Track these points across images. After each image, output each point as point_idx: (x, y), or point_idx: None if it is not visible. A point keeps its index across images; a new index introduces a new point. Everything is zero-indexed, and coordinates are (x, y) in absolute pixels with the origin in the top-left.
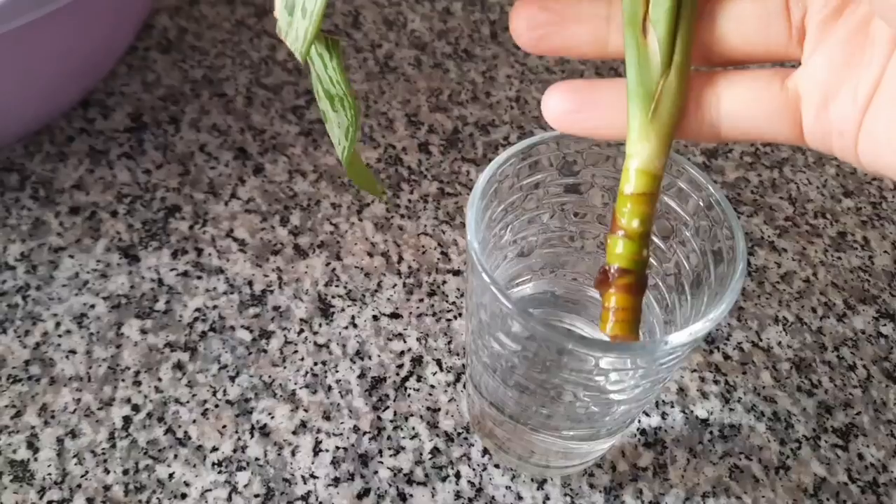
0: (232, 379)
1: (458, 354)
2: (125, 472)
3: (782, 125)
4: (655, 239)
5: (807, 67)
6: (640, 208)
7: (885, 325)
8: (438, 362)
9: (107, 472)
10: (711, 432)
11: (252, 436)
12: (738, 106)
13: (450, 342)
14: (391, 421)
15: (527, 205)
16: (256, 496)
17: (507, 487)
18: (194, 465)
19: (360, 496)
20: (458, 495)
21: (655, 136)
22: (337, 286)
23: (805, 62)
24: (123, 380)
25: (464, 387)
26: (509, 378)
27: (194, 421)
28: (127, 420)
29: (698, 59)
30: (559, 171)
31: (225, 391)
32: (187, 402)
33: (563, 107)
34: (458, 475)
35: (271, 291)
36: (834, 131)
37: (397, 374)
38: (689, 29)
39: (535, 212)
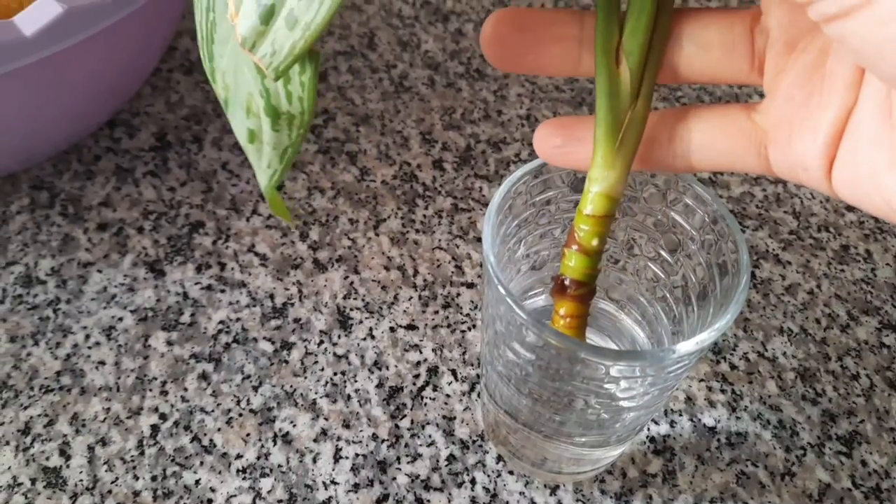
0: (255, 389)
1: (472, 365)
2: (153, 479)
3: (749, 157)
4: (663, 252)
5: (770, 102)
6: (598, 229)
7: (887, 335)
8: (454, 372)
9: (136, 478)
10: (719, 440)
11: (275, 443)
12: (707, 138)
13: (464, 353)
14: (408, 429)
15: (539, 220)
16: (280, 501)
17: (521, 493)
18: (220, 472)
19: (379, 501)
20: (473, 501)
21: (620, 164)
22: (355, 299)
23: (767, 96)
24: (151, 390)
25: (478, 396)
26: (523, 386)
27: (219, 429)
28: (155, 428)
29: (663, 77)
30: (570, 188)
31: (248, 400)
32: (212, 410)
33: (549, 142)
34: (473, 481)
35: (292, 304)
36: (798, 166)
37: (414, 384)
38: (657, 59)
39: (548, 227)
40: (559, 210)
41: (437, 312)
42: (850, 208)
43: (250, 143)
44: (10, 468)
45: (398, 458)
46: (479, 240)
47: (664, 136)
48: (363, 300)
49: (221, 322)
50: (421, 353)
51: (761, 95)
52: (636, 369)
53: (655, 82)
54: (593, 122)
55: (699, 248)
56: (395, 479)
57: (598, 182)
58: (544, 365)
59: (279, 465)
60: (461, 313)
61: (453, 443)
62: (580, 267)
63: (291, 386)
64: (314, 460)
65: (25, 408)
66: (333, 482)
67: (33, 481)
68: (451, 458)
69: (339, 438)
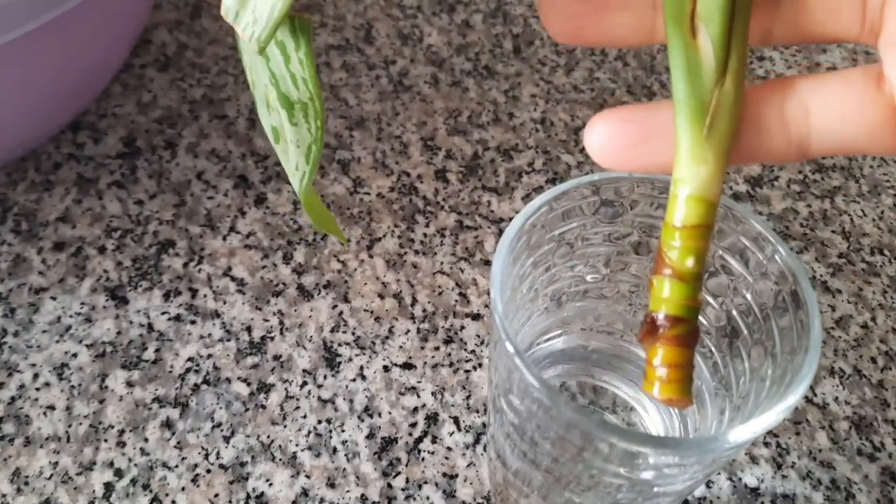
0: (226, 440)
1: (478, 411)
2: None
3: (883, 137)
4: (708, 297)
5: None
6: (693, 243)
7: None
8: (456, 420)
9: None
10: (762, 503)
11: None
12: (831, 119)
13: (468, 397)
14: (403, 489)
15: (559, 255)
16: None
17: None
18: None
19: None
20: None
21: (713, 157)
22: (344, 332)
23: (894, 53)
24: (106, 440)
25: (484, 449)
26: (534, 455)
27: (183, 488)
28: (108, 487)
29: (753, 39)
30: (597, 218)
31: (218, 453)
32: (176, 466)
33: (617, 141)
34: None
35: (272, 338)
36: None
37: (410, 435)
38: (744, 26)
39: (569, 262)
40: (582, 244)
41: (437, 349)
42: None
43: (276, 144)
44: None
45: None
46: (486, 263)
47: (773, 118)
48: (353, 334)
49: (190, 359)
50: (419, 397)
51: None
52: (678, 457)
53: (747, 51)
54: (670, 109)
55: (753, 294)
56: None
57: (686, 182)
58: (560, 441)
59: None
60: (465, 349)
61: None
62: (676, 298)
63: (268, 436)
64: None
65: None
66: None
67: None
68: None
69: (322, 500)
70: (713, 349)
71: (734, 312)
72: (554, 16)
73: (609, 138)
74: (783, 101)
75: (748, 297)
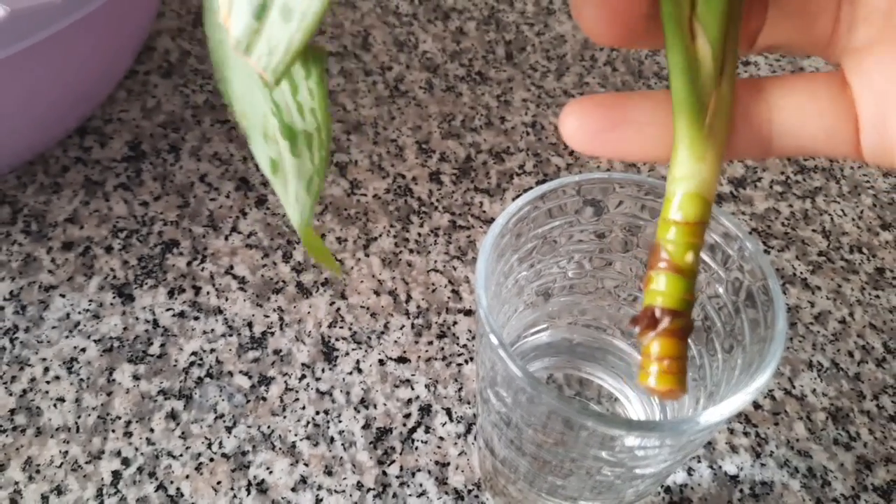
0: (228, 430)
1: (469, 403)
2: None
3: (843, 141)
4: None
5: (860, 72)
6: (691, 239)
7: None
8: (448, 411)
9: None
10: (742, 490)
11: (248, 493)
12: (794, 119)
13: (460, 389)
14: (397, 476)
15: (544, 252)
16: None
17: None
18: None
19: None
20: None
21: (711, 156)
22: (341, 327)
23: (857, 64)
24: (114, 430)
25: (475, 439)
26: (519, 443)
27: (187, 476)
28: (116, 475)
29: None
30: (579, 217)
31: (221, 443)
32: (180, 455)
33: (590, 126)
34: None
35: (272, 333)
36: None
37: (404, 425)
38: (736, 30)
39: (553, 258)
40: (567, 241)
41: (431, 343)
42: (886, 227)
43: (274, 175)
44: None
45: None
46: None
47: (739, 118)
48: (350, 329)
49: (194, 353)
50: (413, 389)
51: None
52: (654, 440)
53: (738, 54)
54: (644, 98)
55: (725, 290)
56: None
57: (685, 180)
58: (543, 428)
59: None
60: (458, 344)
61: (446, 492)
62: (673, 291)
63: (269, 426)
64: None
65: None
66: None
67: None
68: None
69: (320, 487)
70: (692, 343)
71: (709, 306)
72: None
73: (582, 123)
74: (749, 101)
75: (721, 291)
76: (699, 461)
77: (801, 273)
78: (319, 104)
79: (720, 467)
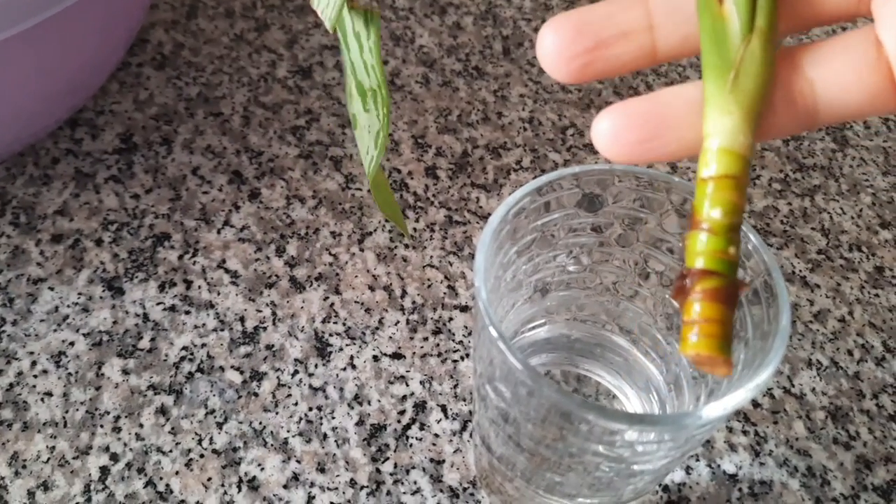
0: (219, 426)
1: (464, 399)
2: None
3: (887, 101)
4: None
5: (891, 25)
6: (722, 194)
7: None
8: (443, 408)
9: None
10: (741, 489)
11: (239, 490)
12: (835, 89)
13: (456, 386)
14: (391, 474)
15: (542, 245)
16: None
17: None
18: None
19: None
20: None
21: (738, 109)
22: (335, 323)
23: (888, 15)
24: (102, 426)
25: (470, 436)
26: (518, 438)
27: (177, 472)
28: (104, 471)
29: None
30: (579, 209)
31: (211, 439)
32: (170, 451)
33: (630, 137)
34: None
35: (264, 328)
36: None
37: (398, 422)
38: None
39: (552, 252)
40: (565, 234)
41: (426, 339)
42: (885, 225)
43: (354, 129)
44: None
45: None
46: (474, 256)
47: (778, 97)
48: (344, 324)
49: (185, 348)
50: (407, 385)
51: None
52: (654, 434)
53: (775, 13)
54: (675, 94)
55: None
56: None
57: (711, 136)
58: (541, 421)
59: None
60: (453, 340)
61: (441, 490)
62: (706, 249)
63: (261, 423)
64: None
65: None
66: None
67: None
68: None
69: (312, 484)
70: None
71: None
72: (555, 63)
73: (616, 135)
74: (788, 78)
75: None
76: (698, 460)
77: (801, 271)
78: (376, 61)
79: (719, 466)
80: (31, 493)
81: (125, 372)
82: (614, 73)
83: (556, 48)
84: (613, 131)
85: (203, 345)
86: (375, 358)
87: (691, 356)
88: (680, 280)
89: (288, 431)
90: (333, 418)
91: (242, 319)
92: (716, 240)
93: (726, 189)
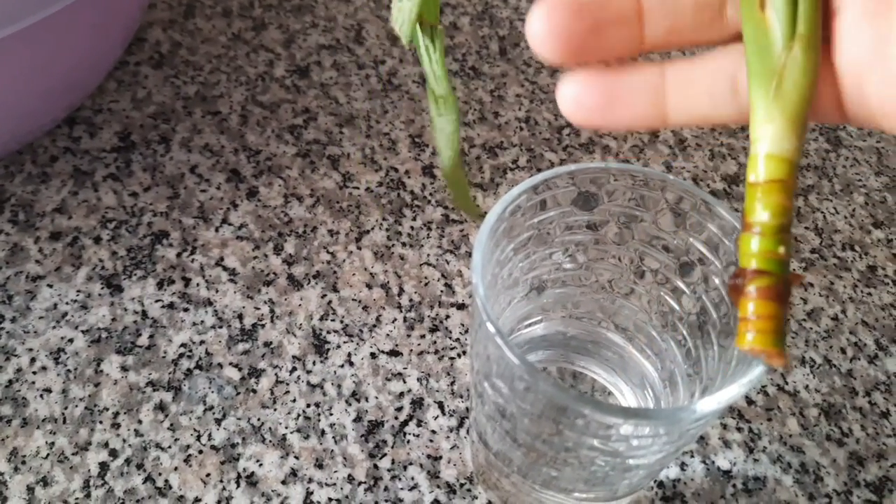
0: (218, 422)
1: (461, 396)
2: None
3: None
4: (675, 278)
5: (841, 41)
6: (770, 198)
7: None
8: (440, 405)
9: None
10: (734, 485)
11: (238, 485)
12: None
13: (453, 383)
14: (388, 470)
15: (538, 243)
16: None
17: None
18: None
19: None
20: None
21: (781, 116)
22: (333, 320)
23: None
24: (101, 422)
25: (467, 432)
26: (515, 433)
27: (176, 468)
28: (103, 467)
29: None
30: (575, 208)
31: (210, 435)
32: (169, 447)
33: (589, 102)
34: None
35: (262, 326)
36: (876, 114)
37: (396, 418)
38: None
39: (548, 249)
40: (561, 231)
41: (423, 337)
42: (878, 225)
43: (434, 132)
44: None
45: None
46: (471, 255)
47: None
48: (342, 322)
49: (183, 345)
50: (405, 382)
51: None
52: (649, 428)
53: (818, 25)
54: (638, 70)
55: (723, 282)
56: None
57: (759, 141)
58: (538, 415)
59: None
60: (450, 338)
61: (438, 486)
62: (759, 251)
63: (259, 419)
64: None
65: None
66: None
67: None
68: None
69: (310, 480)
70: (687, 336)
71: (706, 299)
72: (548, 41)
73: (581, 98)
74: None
75: (718, 283)
76: (692, 456)
77: (794, 270)
78: (442, 73)
79: (713, 462)
80: (30, 489)
81: (124, 369)
82: (603, 58)
83: (552, 26)
84: (575, 95)
85: (201, 342)
86: (373, 355)
87: (747, 350)
88: (734, 279)
89: (286, 428)
90: (331, 415)
91: (241, 317)
92: (766, 241)
93: (774, 193)
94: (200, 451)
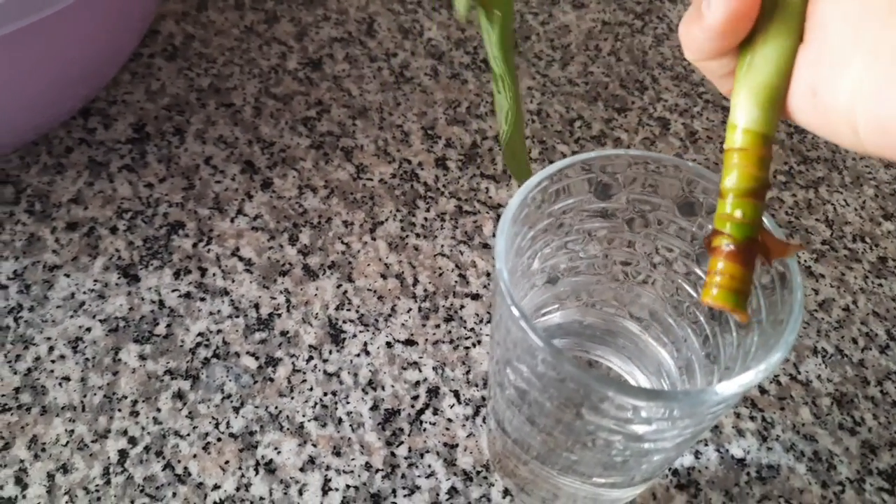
0: (236, 410)
1: (477, 385)
2: None
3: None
4: (692, 265)
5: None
6: (734, 165)
7: None
8: (456, 394)
9: None
10: (748, 473)
11: (257, 472)
12: None
13: (468, 372)
14: (405, 457)
15: (556, 231)
16: None
17: None
18: None
19: None
20: None
21: (748, 90)
22: (348, 310)
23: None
24: (120, 410)
25: (483, 421)
26: (535, 418)
27: (195, 455)
28: (123, 454)
29: None
30: (592, 195)
31: (228, 423)
32: (188, 434)
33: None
34: None
35: (279, 315)
36: (832, 122)
37: (412, 407)
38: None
39: (565, 238)
40: (578, 219)
41: (438, 326)
42: (888, 216)
43: (495, 110)
44: None
45: (393, 491)
46: (485, 246)
47: None
48: (357, 312)
49: (200, 334)
50: (420, 371)
51: None
52: (669, 411)
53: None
54: None
55: None
56: None
57: (732, 112)
58: (560, 398)
59: (261, 498)
60: (465, 327)
61: (455, 474)
62: (718, 213)
63: (276, 407)
64: (300, 492)
65: None
66: None
67: None
68: (452, 492)
69: (328, 468)
70: (704, 322)
71: None
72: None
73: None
74: None
75: None
76: (706, 444)
77: (805, 261)
78: (499, 54)
79: (727, 451)
80: (50, 476)
81: (142, 357)
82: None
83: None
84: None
85: (218, 331)
86: (389, 344)
87: (709, 304)
88: (706, 238)
89: (303, 416)
90: (348, 403)
91: (257, 306)
92: (724, 204)
93: (740, 160)
94: (219, 439)
